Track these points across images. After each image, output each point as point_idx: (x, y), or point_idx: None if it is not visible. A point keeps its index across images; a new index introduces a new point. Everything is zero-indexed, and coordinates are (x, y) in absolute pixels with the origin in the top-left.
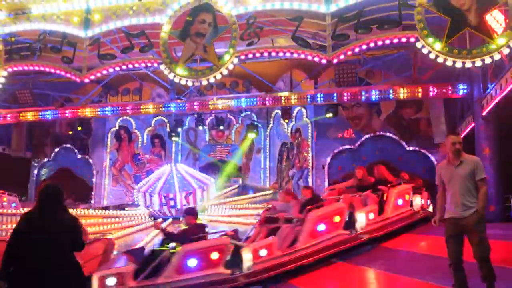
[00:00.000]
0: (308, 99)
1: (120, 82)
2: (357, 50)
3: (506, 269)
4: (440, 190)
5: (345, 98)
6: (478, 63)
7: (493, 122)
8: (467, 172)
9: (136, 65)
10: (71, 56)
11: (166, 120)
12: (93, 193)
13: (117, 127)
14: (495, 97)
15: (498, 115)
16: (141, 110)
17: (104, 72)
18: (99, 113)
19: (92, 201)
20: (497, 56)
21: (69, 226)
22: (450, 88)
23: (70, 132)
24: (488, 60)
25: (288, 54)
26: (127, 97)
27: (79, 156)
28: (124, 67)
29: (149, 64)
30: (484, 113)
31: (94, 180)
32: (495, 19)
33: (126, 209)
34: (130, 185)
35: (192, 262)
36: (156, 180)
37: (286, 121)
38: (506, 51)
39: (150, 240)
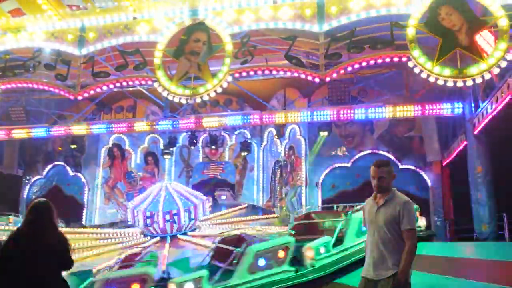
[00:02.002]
0: (301, 117)
1: (114, 99)
2: (349, 69)
3: None
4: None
5: (338, 116)
6: (469, 82)
7: (485, 141)
8: (390, 217)
9: (130, 83)
10: (65, 74)
11: (159, 138)
12: (84, 211)
13: (110, 145)
14: (486, 115)
15: (490, 133)
16: (135, 127)
17: (98, 89)
18: (92, 130)
19: (84, 219)
20: (487, 76)
21: (58, 244)
22: (442, 106)
23: (60, 148)
24: (478, 80)
25: (281, 73)
26: (121, 114)
27: (72, 174)
28: (118, 84)
29: (143, 82)
30: (476, 132)
31: (86, 197)
32: (485, 39)
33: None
34: (122, 203)
35: (262, 262)
36: (145, 198)
37: (277, 137)
38: (496, 70)
39: (168, 255)
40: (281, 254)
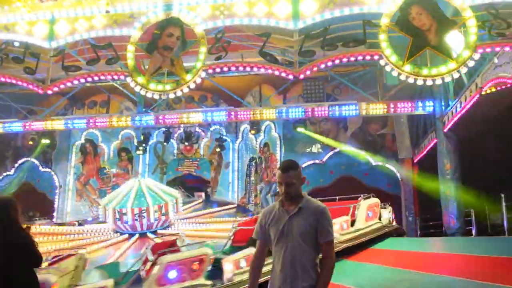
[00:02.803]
0: (277, 114)
1: (87, 94)
2: (323, 66)
3: (472, 282)
4: (257, 247)
5: (313, 113)
6: (438, 81)
7: (454, 138)
8: (307, 227)
9: (102, 77)
10: (34, 67)
11: (133, 134)
12: (55, 208)
13: (82, 140)
14: (455, 114)
15: (459, 131)
16: (108, 123)
17: (69, 84)
18: (64, 126)
19: (54, 217)
20: (456, 75)
21: (23, 242)
22: (414, 105)
23: (31, 142)
24: (448, 78)
25: (255, 69)
26: (94, 110)
27: (42, 170)
28: (89, 79)
29: (115, 77)
30: (445, 130)
31: (57, 194)
32: (454, 39)
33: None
34: (95, 200)
35: (173, 274)
36: (126, 195)
37: (253, 132)
38: (464, 70)
39: (120, 255)
40: (195, 266)
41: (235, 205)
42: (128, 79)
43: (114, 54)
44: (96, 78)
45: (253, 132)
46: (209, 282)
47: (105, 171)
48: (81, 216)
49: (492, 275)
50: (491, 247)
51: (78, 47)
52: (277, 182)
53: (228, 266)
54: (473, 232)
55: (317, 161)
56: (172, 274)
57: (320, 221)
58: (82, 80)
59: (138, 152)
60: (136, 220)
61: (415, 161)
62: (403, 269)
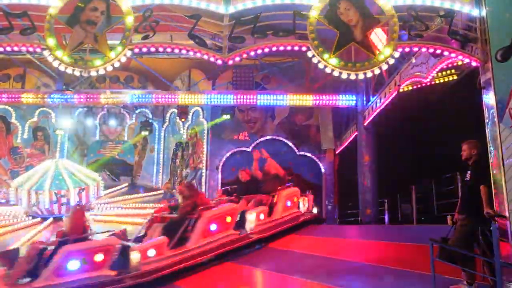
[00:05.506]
0: (205, 100)
1: None
2: (252, 53)
3: (382, 268)
4: None
5: (241, 100)
6: (361, 76)
7: (373, 132)
8: None
9: (16, 48)
10: None
11: (51, 112)
12: None
13: None
14: (375, 109)
15: (377, 126)
16: (22, 99)
17: None
18: None
19: None
20: (377, 71)
21: None
22: (338, 98)
23: None
24: (369, 74)
25: (184, 52)
26: (7, 84)
27: None
28: (1, 49)
29: (31, 49)
30: (365, 123)
31: None
32: (377, 36)
33: None
34: (5, 181)
35: (74, 264)
36: (42, 176)
37: (183, 120)
38: (384, 67)
39: (27, 240)
40: (99, 257)
41: (162, 192)
42: (46, 53)
43: (30, 24)
44: (9, 48)
45: (182, 119)
46: (113, 273)
47: (18, 150)
48: None
49: (400, 260)
50: (400, 235)
51: None
52: None
53: (135, 255)
54: (386, 220)
55: (244, 149)
56: (73, 264)
57: None
58: None
59: (58, 132)
60: (55, 203)
61: (337, 152)
62: (320, 255)
